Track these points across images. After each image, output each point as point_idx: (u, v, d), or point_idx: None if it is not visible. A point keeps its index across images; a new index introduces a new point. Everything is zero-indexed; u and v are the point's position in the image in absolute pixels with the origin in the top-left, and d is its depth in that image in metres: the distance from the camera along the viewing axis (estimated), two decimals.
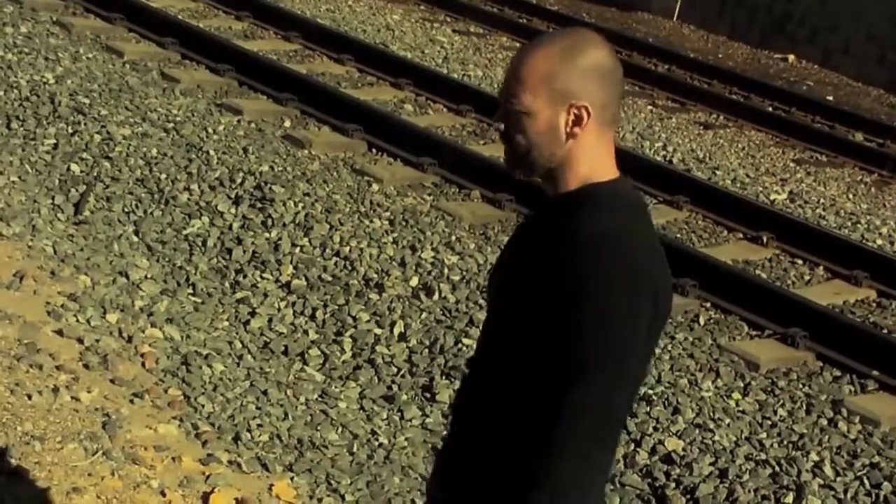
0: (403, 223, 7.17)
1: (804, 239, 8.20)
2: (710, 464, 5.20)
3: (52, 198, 6.81)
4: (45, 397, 4.79)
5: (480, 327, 2.58)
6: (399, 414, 5.37)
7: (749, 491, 5.03)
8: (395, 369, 5.68)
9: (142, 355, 5.35)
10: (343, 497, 4.65)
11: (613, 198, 2.37)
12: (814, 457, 5.40)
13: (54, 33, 9.95)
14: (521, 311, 2.35)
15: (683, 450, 5.27)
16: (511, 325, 2.39)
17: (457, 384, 5.52)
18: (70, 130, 7.68)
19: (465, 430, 2.54)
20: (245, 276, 6.32)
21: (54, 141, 7.50)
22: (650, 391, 5.64)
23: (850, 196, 10.08)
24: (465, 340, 5.86)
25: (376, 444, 5.11)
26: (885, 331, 7.05)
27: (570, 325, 2.24)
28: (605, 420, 2.26)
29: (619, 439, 2.50)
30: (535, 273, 2.33)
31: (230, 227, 6.77)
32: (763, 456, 5.34)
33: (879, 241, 8.92)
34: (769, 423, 5.69)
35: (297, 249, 6.60)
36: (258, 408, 5.16)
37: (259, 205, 6.99)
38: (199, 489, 4.45)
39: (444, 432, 5.26)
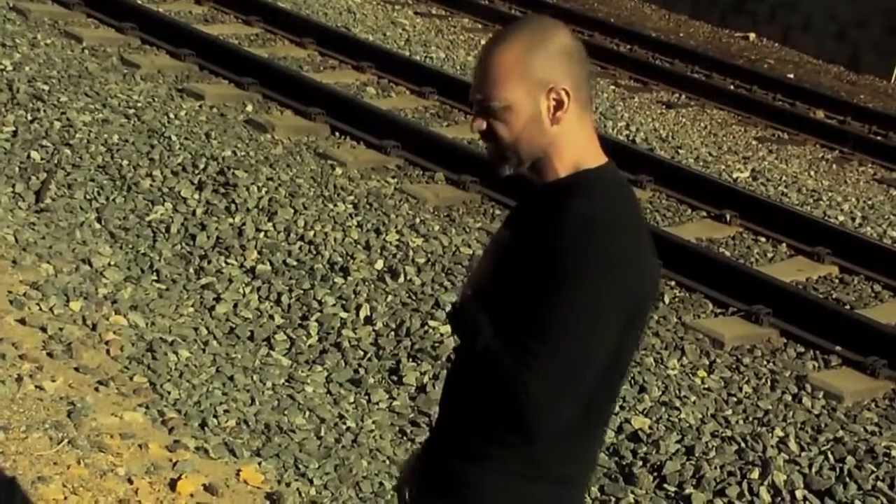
0: (367, 206, 7.15)
1: (767, 216, 8.25)
2: (677, 441, 5.23)
3: (13, 186, 6.75)
4: (9, 387, 4.76)
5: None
6: (366, 397, 5.37)
7: (715, 467, 5.06)
8: (362, 353, 5.68)
9: (106, 343, 5.32)
10: (311, 481, 4.64)
11: (602, 183, 2.39)
12: (779, 432, 5.44)
13: (11, 19, 9.85)
14: (505, 290, 2.37)
15: (650, 428, 5.30)
16: (496, 307, 2.39)
17: (423, 366, 5.53)
18: (29, 118, 7.61)
19: (450, 416, 2.55)
20: (209, 262, 6.29)
21: (13, 128, 7.43)
22: None
23: (812, 173, 10.14)
24: (432, 323, 5.86)
25: (344, 427, 5.10)
26: (847, 307, 7.10)
27: (544, 290, 2.27)
28: (572, 371, 2.29)
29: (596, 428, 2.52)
30: (521, 254, 2.35)
31: (194, 213, 6.73)
32: (729, 433, 5.37)
33: (841, 218, 8.98)
34: (734, 399, 5.73)
35: (262, 234, 6.58)
36: (224, 393, 5.14)
37: (222, 190, 6.96)
38: (167, 476, 4.43)
39: (412, 415, 5.28)
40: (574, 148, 2.40)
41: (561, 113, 2.37)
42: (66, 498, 4.18)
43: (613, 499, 4.87)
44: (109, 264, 6.10)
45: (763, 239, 8.11)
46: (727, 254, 7.75)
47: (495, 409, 2.33)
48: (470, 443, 2.44)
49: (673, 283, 6.98)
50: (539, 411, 2.27)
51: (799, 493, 5.01)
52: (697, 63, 13.43)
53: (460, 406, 2.50)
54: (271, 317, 5.90)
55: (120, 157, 7.24)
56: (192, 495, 4.36)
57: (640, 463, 5.08)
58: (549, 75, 2.35)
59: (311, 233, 6.62)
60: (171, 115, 8.16)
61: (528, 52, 2.35)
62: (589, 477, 2.59)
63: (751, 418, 5.57)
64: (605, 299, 2.28)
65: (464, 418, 2.47)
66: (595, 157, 2.42)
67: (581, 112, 2.40)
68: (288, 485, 4.58)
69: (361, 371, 5.55)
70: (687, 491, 4.93)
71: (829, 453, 5.32)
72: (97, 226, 6.53)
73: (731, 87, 12.71)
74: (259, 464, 4.67)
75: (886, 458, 5.32)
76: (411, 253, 6.57)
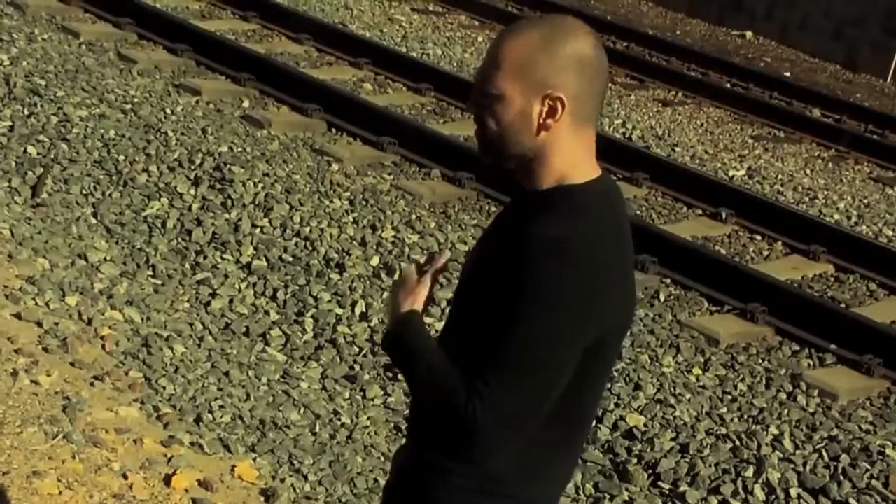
0: (364, 202, 7.15)
1: (763, 214, 8.26)
2: (672, 439, 5.24)
3: (9, 180, 6.74)
4: (4, 381, 4.76)
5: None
6: (361, 393, 5.37)
7: (710, 465, 5.07)
8: (357, 349, 5.68)
9: (102, 338, 5.32)
10: (306, 477, 4.64)
11: (582, 201, 2.29)
12: (773, 430, 5.45)
13: (8, 14, 9.84)
14: (473, 304, 2.34)
15: (645, 425, 5.30)
16: (463, 316, 2.40)
17: None
18: (26, 112, 7.61)
19: (413, 428, 2.56)
20: (205, 258, 6.29)
21: (10, 123, 7.42)
22: None
23: (808, 171, 10.14)
24: (427, 319, 5.85)
25: (339, 423, 5.11)
26: (842, 305, 7.11)
27: (502, 316, 2.23)
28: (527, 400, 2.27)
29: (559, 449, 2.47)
30: (493, 270, 2.29)
31: (190, 208, 6.73)
32: (723, 430, 5.38)
33: (837, 216, 8.99)
34: (729, 397, 5.74)
35: (258, 230, 6.58)
36: (220, 389, 5.14)
37: (218, 185, 6.96)
38: (161, 471, 4.44)
39: (407, 412, 5.28)
40: (562, 160, 2.30)
41: (551, 121, 2.27)
42: (60, 493, 4.18)
43: (608, 496, 4.88)
44: (105, 259, 6.10)
45: (759, 237, 8.12)
46: (723, 252, 7.76)
47: (446, 427, 2.30)
48: (431, 456, 2.41)
49: (668, 280, 6.99)
50: (486, 441, 2.24)
51: (793, 492, 5.01)
52: (694, 61, 13.43)
53: (420, 420, 2.49)
54: (267, 312, 5.90)
55: (116, 152, 7.24)
56: (186, 490, 4.37)
57: (635, 460, 5.09)
58: (551, 79, 2.25)
59: (307, 229, 6.62)
60: (168, 111, 8.16)
61: (538, 49, 2.25)
62: (556, 498, 2.53)
63: (745, 416, 5.57)
64: (564, 332, 2.22)
65: (424, 432, 2.46)
66: (584, 172, 2.32)
67: (578, 126, 2.30)
68: (282, 481, 4.58)
69: (356, 367, 5.55)
70: (681, 489, 4.94)
71: (823, 451, 5.33)
72: (93, 221, 6.53)
73: (728, 85, 12.71)
74: (254, 459, 4.68)
75: (881, 457, 5.33)
76: (407, 249, 6.57)
